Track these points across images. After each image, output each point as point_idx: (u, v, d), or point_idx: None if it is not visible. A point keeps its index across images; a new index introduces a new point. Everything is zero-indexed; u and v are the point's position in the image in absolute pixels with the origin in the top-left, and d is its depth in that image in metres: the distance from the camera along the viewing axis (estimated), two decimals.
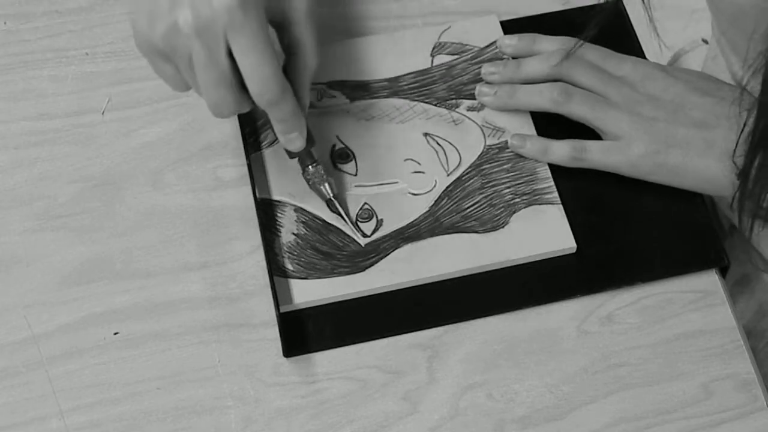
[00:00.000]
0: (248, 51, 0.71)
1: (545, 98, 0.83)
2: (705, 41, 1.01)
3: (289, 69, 0.77)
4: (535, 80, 0.85)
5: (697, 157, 0.80)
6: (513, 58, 0.88)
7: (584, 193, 0.83)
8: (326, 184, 0.81)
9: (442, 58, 0.89)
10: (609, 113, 0.82)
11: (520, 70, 0.85)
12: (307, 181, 0.82)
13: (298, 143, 0.78)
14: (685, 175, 0.80)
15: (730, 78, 0.91)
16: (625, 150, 0.81)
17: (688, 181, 0.81)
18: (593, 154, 0.82)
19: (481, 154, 0.85)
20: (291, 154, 0.81)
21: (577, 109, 0.82)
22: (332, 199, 0.81)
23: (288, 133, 0.77)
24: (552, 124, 0.85)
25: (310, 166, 0.81)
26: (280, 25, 0.76)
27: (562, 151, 0.82)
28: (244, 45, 0.71)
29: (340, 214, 0.81)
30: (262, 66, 0.71)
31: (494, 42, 0.89)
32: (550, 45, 0.86)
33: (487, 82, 0.86)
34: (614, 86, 0.83)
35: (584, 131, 0.83)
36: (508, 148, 0.85)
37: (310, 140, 0.80)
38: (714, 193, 0.82)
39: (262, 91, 0.73)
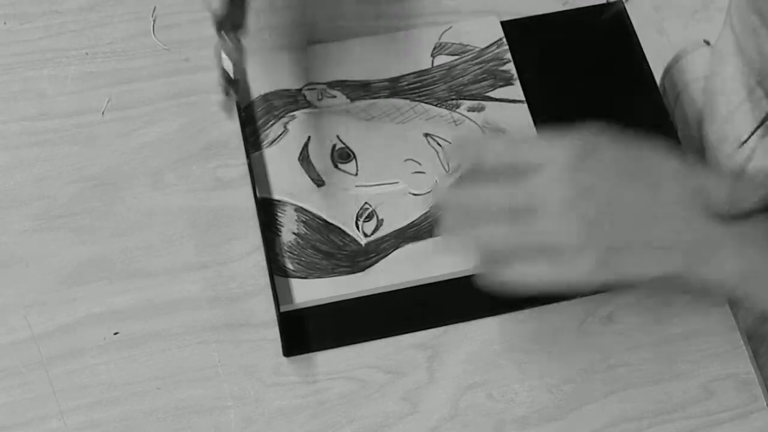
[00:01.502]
0: None
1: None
2: (707, 43, 1.01)
3: None
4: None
5: (649, 257, 0.70)
6: None
7: None
8: (227, 58, 0.78)
9: (443, 59, 0.89)
10: (547, 225, 0.69)
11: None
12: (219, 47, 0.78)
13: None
14: (644, 278, 0.70)
15: (741, 85, 0.90)
16: (573, 263, 0.69)
17: (652, 282, 0.71)
18: (540, 280, 0.70)
19: None
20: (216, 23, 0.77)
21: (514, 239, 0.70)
22: (227, 73, 0.78)
23: None
24: (552, 124, 0.85)
25: (227, 36, 0.78)
26: None
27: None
28: None
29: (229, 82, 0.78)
30: None
31: (495, 42, 0.89)
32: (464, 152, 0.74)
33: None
34: (539, 191, 0.70)
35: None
36: None
37: (238, 15, 0.76)
38: (683, 291, 0.75)
39: None
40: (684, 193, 0.71)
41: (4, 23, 0.90)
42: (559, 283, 0.69)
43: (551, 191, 0.69)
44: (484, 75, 0.88)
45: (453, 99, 0.87)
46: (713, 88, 0.95)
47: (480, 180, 0.71)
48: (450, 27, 0.90)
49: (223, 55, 0.78)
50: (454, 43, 0.90)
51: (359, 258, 0.80)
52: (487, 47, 0.89)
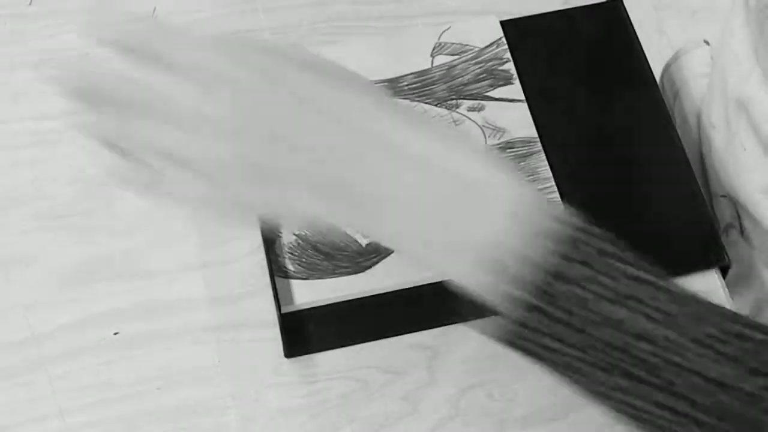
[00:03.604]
0: None
1: None
2: (707, 43, 1.01)
3: None
4: None
5: None
6: None
7: (585, 193, 0.83)
8: None
9: (442, 59, 0.89)
10: None
11: None
12: None
13: None
14: None
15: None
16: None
17: None
18: None
19: None
20: None
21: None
22: None
23: None
24: (556, 126, 0.85)
25: None
26: None
27: None
28: None
29: None
30: None
31: (494, 42, 0.89)
32: None
33: None
34: None
35: (593, 138, 0.83)
36: (508, 148, 0.85)
37: None
38: None
39: None
40: None
41: (4, 23, 0.90)
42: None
43: None
44: (484, 74, 0.88)
45: (453, 99, 0.87)
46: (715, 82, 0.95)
47: None
48: (449, 27, 0.90)
49: None
50: (453, 43, 0.90)
51: (360, 259, 0.80)
52: (487, 47, 0.89)
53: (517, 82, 0.88)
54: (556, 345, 0.58)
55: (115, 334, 0.79)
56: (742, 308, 0.95)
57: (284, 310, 0.78)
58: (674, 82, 1.02)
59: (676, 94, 1.01)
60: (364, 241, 0.81)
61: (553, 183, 0.83)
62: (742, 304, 0.95)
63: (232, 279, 0.80)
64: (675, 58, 1.03)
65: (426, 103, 0.87)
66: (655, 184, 0.83)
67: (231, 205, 0.62)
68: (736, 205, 0.90)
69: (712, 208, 0.98)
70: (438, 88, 0.88)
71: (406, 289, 0.80)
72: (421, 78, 0.88)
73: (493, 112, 0.86)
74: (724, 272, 0.82)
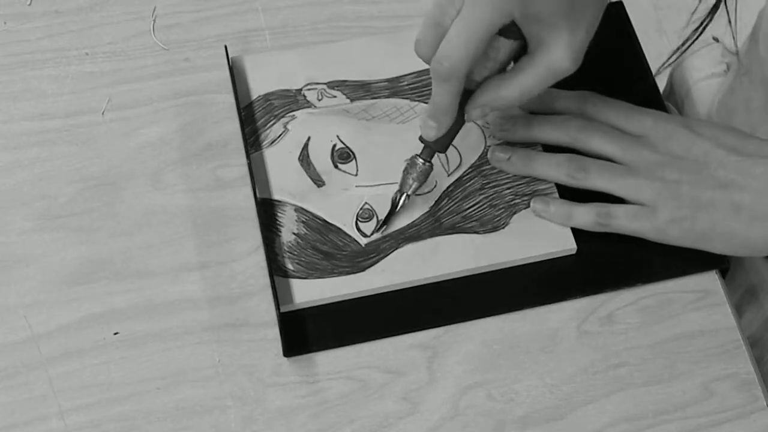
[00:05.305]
0: (464, 17, 0.72)
1: (562, 172, 0.81)
2: (716, 39, 1.00)
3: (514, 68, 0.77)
4: (547, 142, 0.84)
5: (724, 220, 0.77)
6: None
7: (584, 193, 0.83)
8: (413, 182, 0.81)
9: None
10: (630, 182, 0.79)
11: (532, 131, 0.83)
12: (407, 166, 0.81)
13: (429, 133, 0.78)
14: (713, 239, 0.78)
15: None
16: (651, 216, 0.78)
17: (718, 245, 0.79)
18: (618, 220, 0.79)
19: (481, 154, 0.85)
20: (420, 138, 0.80)
21: (597, 182, 0.80)
22: (403, 195, 0.81)
23: (427, 119, 0.77)
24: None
25: (421, 159, 0.80)
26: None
27: (587, 217, 0.80)
28: (466, 11, 0.72)
29: (390, 211, 0.81)
30: (462, 37, 0.72)
31: None
32: (567, 104, 0.84)
33: (496, 137, 0.85)
34: (634, 151, 0.80)
35: None
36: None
37: (443, 143, 0.79)
38: (746, 254, 0.80)
39: (443, 56, 0.73)
40: None
41: (4, 23, 0.90)
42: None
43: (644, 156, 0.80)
44: None
45: None
46: (732, 107, 0.95)
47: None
48: None
49: (410, 179, 0.81)
50: None
51: (359, 258, 0.80)
52: None
53: None
54: None
55: (115, 334, 0.79)
56: (753, 321, 0.95)
57: (283, 309, 0.78)
58: (683, 83, 1.02)
59: (686, 94, 1.01)
60: (363, 241, 0.81)
61: (553, 184, 0.83)
62: (753, 316, 0.95)
63: (232, 279, 0.80)
64: (683, 58, 1.03)
65: (426, 103, 0.87)
66: None
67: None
68: None
69: None
70: None
71: (406, 288, 0.80)
72: (421, 78, 0.88)
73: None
74: (723, 273, 0.82)
